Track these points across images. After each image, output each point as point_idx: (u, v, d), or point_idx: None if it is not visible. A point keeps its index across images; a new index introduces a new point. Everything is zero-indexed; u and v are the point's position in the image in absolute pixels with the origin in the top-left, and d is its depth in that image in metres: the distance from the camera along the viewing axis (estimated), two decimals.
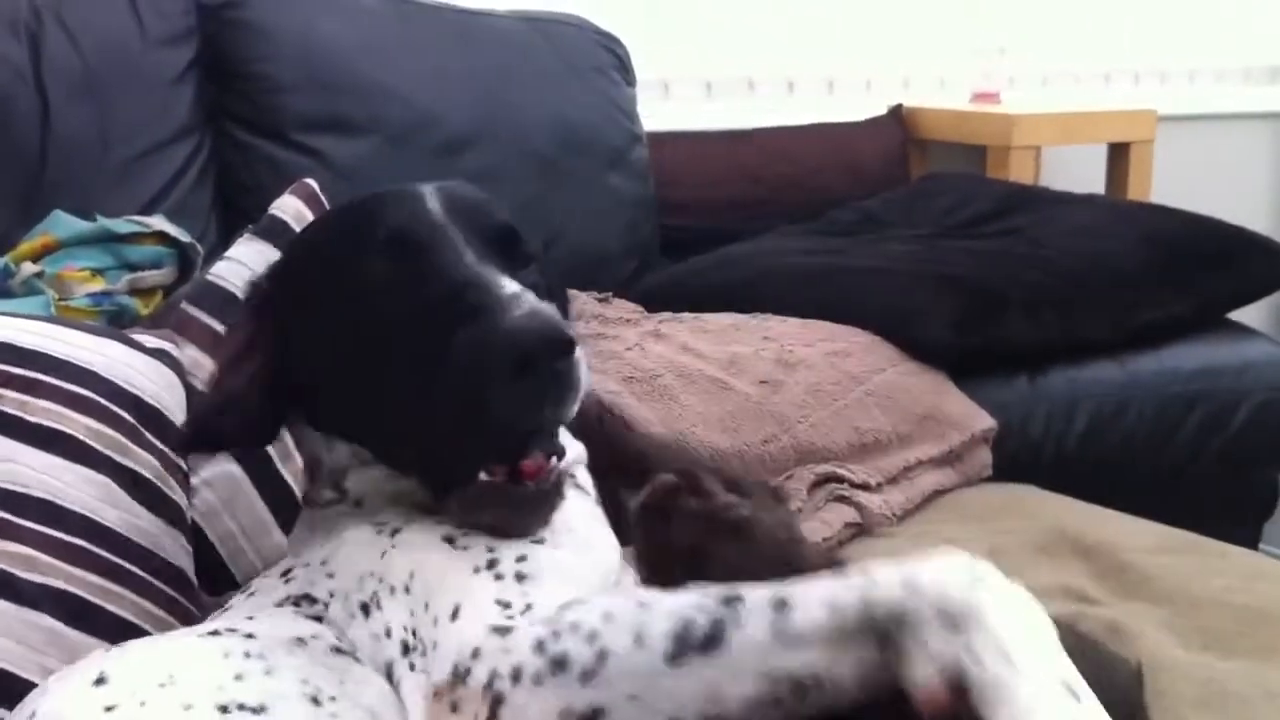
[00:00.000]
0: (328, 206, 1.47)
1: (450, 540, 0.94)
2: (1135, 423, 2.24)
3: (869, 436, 1.91)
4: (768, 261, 2.48)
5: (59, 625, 1.07)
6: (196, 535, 1.24)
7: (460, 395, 0.91)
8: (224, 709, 0.86)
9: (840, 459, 1.87)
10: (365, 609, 0.95)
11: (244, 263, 1.38)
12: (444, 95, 2.52)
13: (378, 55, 2.52)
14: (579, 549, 0.98)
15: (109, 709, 0.85)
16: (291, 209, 1.43)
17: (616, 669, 0.77)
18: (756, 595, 0.78)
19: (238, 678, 0.89)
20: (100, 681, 0.88)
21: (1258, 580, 1.57)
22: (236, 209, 2.33)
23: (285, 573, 1.05)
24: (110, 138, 2.24)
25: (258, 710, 0.86)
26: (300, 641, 0.94)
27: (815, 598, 0.77)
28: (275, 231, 1.41)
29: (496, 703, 0.78)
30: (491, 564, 0.91)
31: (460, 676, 0.81)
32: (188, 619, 1.09)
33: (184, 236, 2.01)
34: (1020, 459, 2.11)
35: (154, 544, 1.16)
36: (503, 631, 0.82)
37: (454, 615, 0.87)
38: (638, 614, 0.78)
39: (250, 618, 0.98)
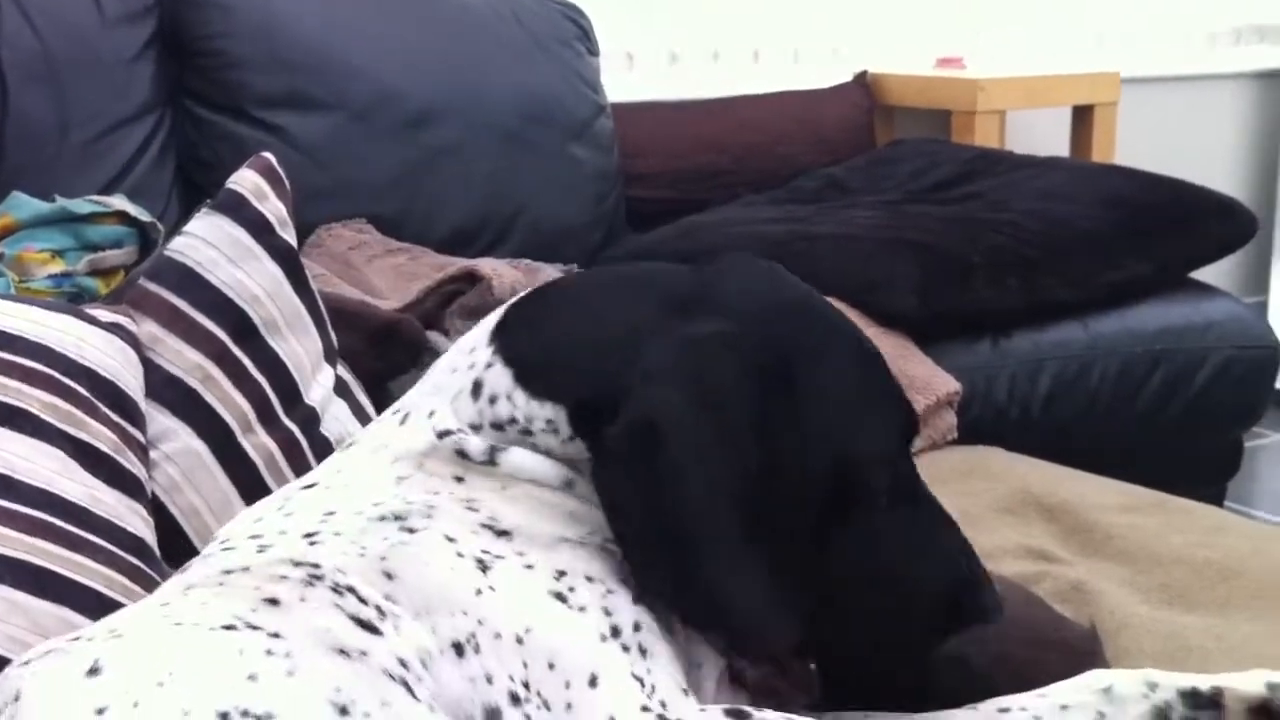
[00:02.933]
0: (286, 181, 1.46)
1: (560, 597, 0.94)
2: (1099, 383, 2.26)
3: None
4: (732, 230, 2.48)
5: (20, 595, 1.06)
6: (159, 510, 1.24)
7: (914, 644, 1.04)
8: (224, 715, 0.80)
9: None
10: (459, 649, 0.91)
11: (202, 237, 1.37)
12: (406, 69, 2.52)
13: (339, 30, 2.51)
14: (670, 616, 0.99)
15: (100, 711, 0.80)
16: (249, 183, 1.42)
17: None
18: None
19: (250, 678, 0.83)
20: (94, 672, 0.83)
21: (1220, 535, 1.59)
22: (197, 187, 2.32)
23: (310, 534, 0.96)
24: (69, 118, 2.24)
25: (263, 717, 0.81)
26: (344, 653, 0.87)
27: None
28: (233, 206, 1.40)
29: None
30: (615, 632, 0.93)
31: None
32: (152, 588, 1.07)
33: (144, 216, 2.01)
34: (985, 421, 2.13)
35: (113, 515, 1.16)
36: None
37: (592, 683, 0.89)
38: None
39: (273, 601, 0.90)
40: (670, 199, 2.92)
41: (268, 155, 1.46)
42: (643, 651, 0.92)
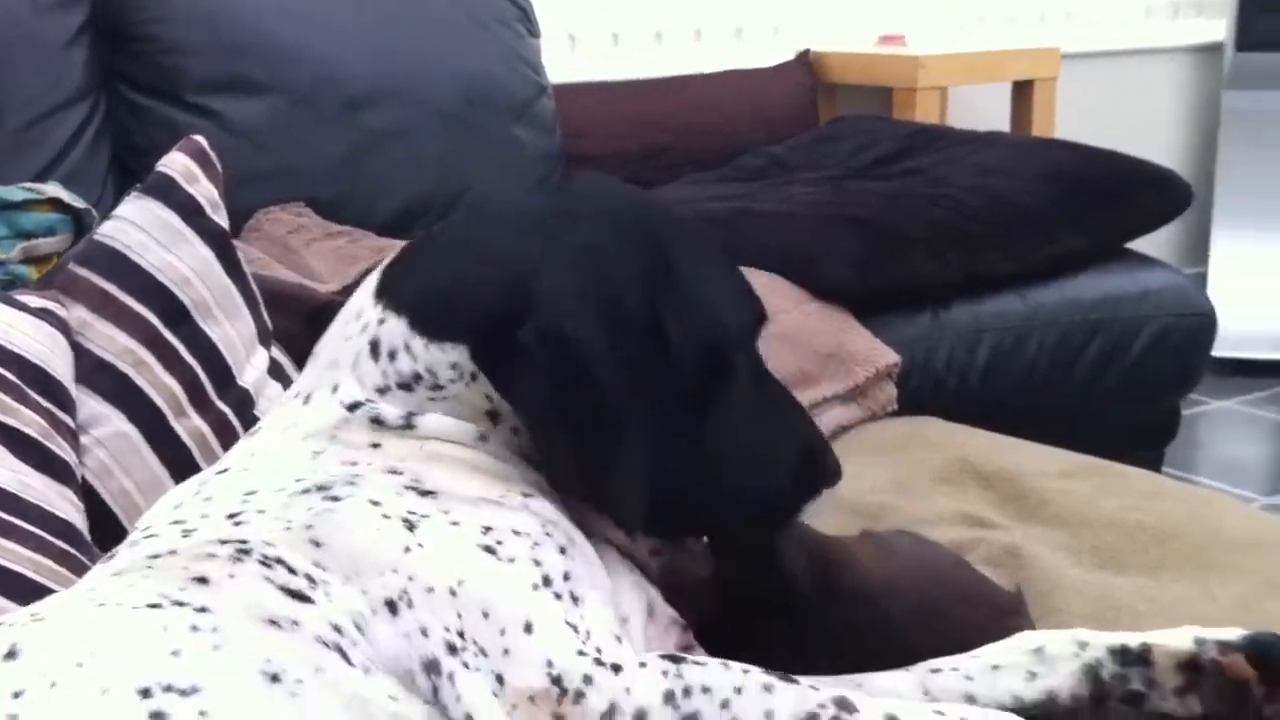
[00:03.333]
0: (217, 164, 1.46)
1: (490, 550, 0.95)
2: (1037, 353, 2.29)
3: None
4: (676, 209, 2.48)
5: None
6: (90, 495, 1.24)
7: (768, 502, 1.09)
8: (145, 692, 0.80)
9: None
10: (392, 606, 0.91)
11: (132, 221, 1.36)
12: (344, 52, 2.50)
13: (276, 13, 2.49)
14: (590, 562, 1.00)
15: (16, 695, 0.79)
16: (180, 166, 1.41)
17: None
18: (871, 712, 0.90)
19: (174, 654, 0.83)
20: (11, 655, 0.82)
21: (1154, 499, 1.61)
22: (133, 173, 2.30)
23: (233, 515, 0.97)
24: (1, 104, 2.21)
25: (187, 692, 0.80)
26: (274, 624, 0.87)
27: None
28: (163, 189, 1.39)
29: None
30: (546, 581, 0.94)
31: (567, 693, 0.88)
32: (82, 573, 1.07)
33: (79, 202, 1.99)
34: (925, 392, 2.15)
35: (42, 500, 1.15)
36: (615, 669, 0.89)
37: (527, 629, 0.91)
38: (765, 695, 0.89)
39: (202, 579, 0.89)
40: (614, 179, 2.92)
41: (198, 138, 1.46)
42: (574, 599, 0.94)
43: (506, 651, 0.90)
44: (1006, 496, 1.64)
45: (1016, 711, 1.03)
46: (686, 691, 0.88)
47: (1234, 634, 1.08)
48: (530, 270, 1.02)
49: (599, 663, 0.89)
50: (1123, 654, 1.08)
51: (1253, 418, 3.53)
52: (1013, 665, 1.07)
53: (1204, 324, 2.45)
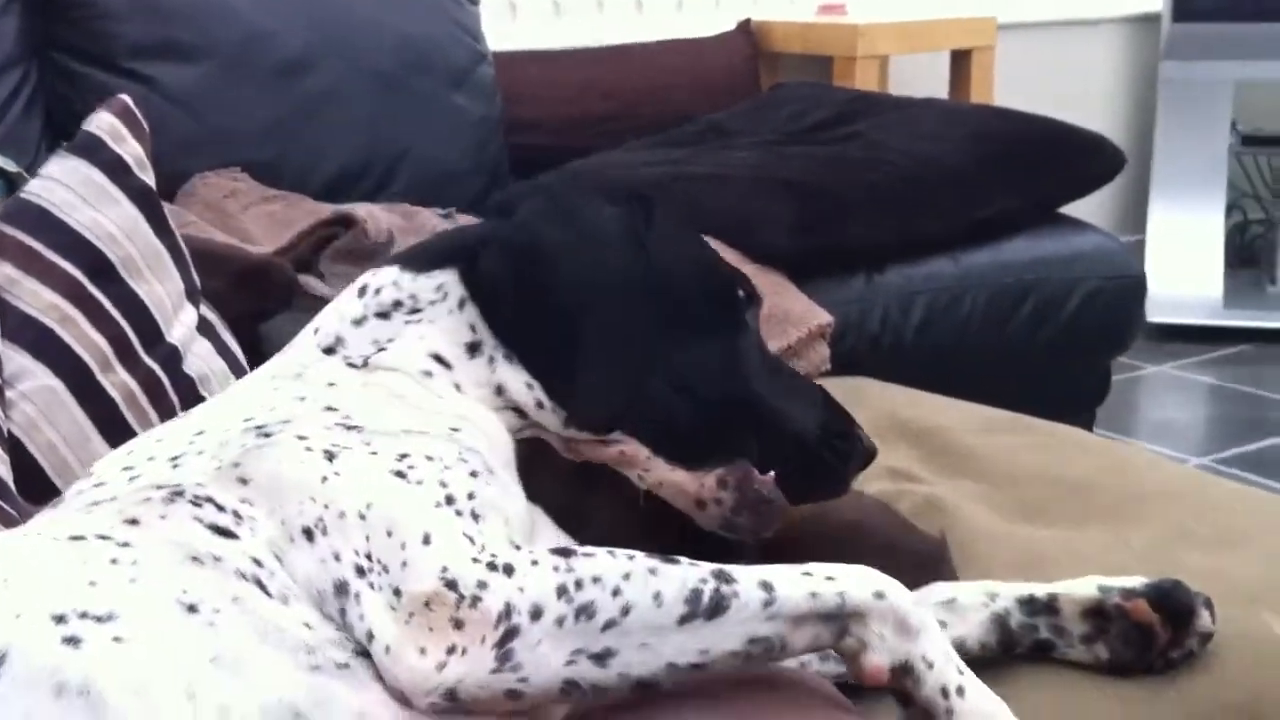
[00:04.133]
0: (144, 123, 1.46)
1: (401, 475, 0.97)
2: (969, 314, 2.32)
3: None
4: (613, 174, 2.50)
5: None
6: (17, 448, 1.24)
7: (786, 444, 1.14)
8: (60, 618, 0.81)
9: None
10: (309, 534, 0.93)
11: (58, 179, 1.36)
12: (279, 15, 2.50)
13: None
14: (505, 490, 1.02)
15: None
16: (106, 125, 1.41)
17: (637, 622, 0.89)
18: (747, 577, 0.93)
19: (91, 583, 0.84)
20: None
21: (1078, 455, 1.63)
22: (68, 138, 2.28)
23: (174, 457, 0.99)
24: None
25: (103, 618, 0.82)
26: (197, 560, 0.89)
27: (799, 587, 0.93)
28: (90, 148, 1.39)
29: (511, 634, 0.87)
30: (449, 500, 0.95)
31: (464, 597, 0.88)
32: (10, 525, 1.07)
33: (11, 167, 1.97)
34: (859, 353, 2.17)
35: None
36: (507, 570, 0.90)
37: (425, 540, 0.92)
38: (651, 578, 0.91)
39: (133, 520, 0.91)
40: (556, 147, 2.92)
41: (124, 97, 1.46)
42: (475, 517, 0.95)
43: (405, 564, 0.91)
44: (932, 451, 1.66)
45: None
46: (578, 584, 0.89)
47: (1136, 581, 1.13)
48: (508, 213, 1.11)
49: (492, 567, 0.90)
50: (1030, 603, 1.12)
51: (1187, 382, 3.59)
52: None
53: (1134, 286, 2.49)
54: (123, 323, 1.33)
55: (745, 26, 3.43)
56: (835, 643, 0.94)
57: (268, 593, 0.90)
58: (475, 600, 0.88)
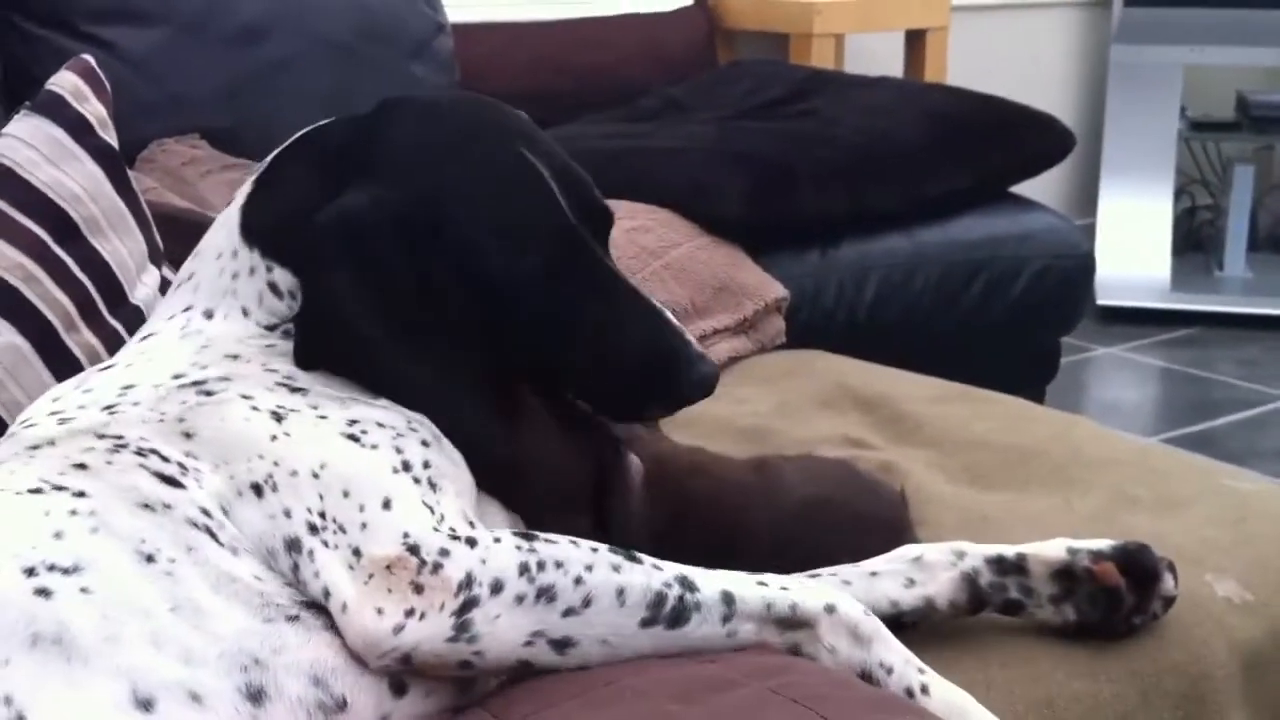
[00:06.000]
0: (106, 84, 1.46)
1: (354, 439, 0.98)
2: (922, 290, 2.35)
3: (666, 308, 1.96)
4: (570, 146, 2.43)
5: None
6: None
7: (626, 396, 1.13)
8: (30, 571, 0.84)
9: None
10: (258, 490, 0.94)
11: (21, 138, 1.36)
12: None
13: None
14: (454, 460, 1.03)
15: None
16: (68, 84, 1.42)
17: (599, 616, 0.92)
18: (709, 586, 0.96)
19: (56, 535, 0.87)
20: None
21: (1023, 423, 1.68)
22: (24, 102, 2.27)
23: (109, 407, 1.01)
24: None
25: (70, 570, 0.84)
26: (148, 507, 0.91)
27: (756, 597, 0.96)
28: (52, 107, 1.40)
29: (470, 604, 0.89)
30: (406, 466, 0.97)
31: (426, 563, 0.90)
32: None
33: None
34: (814, 327, 2.20)
35: None
36: (470, 542, 0.91)
37: (385, 505, 0.93)
38: (614, 574, 0.93)
39: (82, 465, 0.93)
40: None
41: (87, 57, 1.46)
42: (432, 486, 0.97)
43: (364, 526, 0.92)
44: (884, 419, 1.70)
45: (893, 618, 1.07)
46: (541, 565, 0.91)
47: (1104, 544, 1.14)
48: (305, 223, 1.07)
49: (454, 537, 0.92)
50: (999, 563, 1.12)
51: (1135, 364, 3.65)
52: (891, 573, 1.11)
53: (1082, 265, 2.53)
54: (87, 282, 1.34)
55: (702, 3, 3.45)
56: (781, 648, 0.97)
57: (219, 542, 0.92)
58: (437, 566, 0.90)
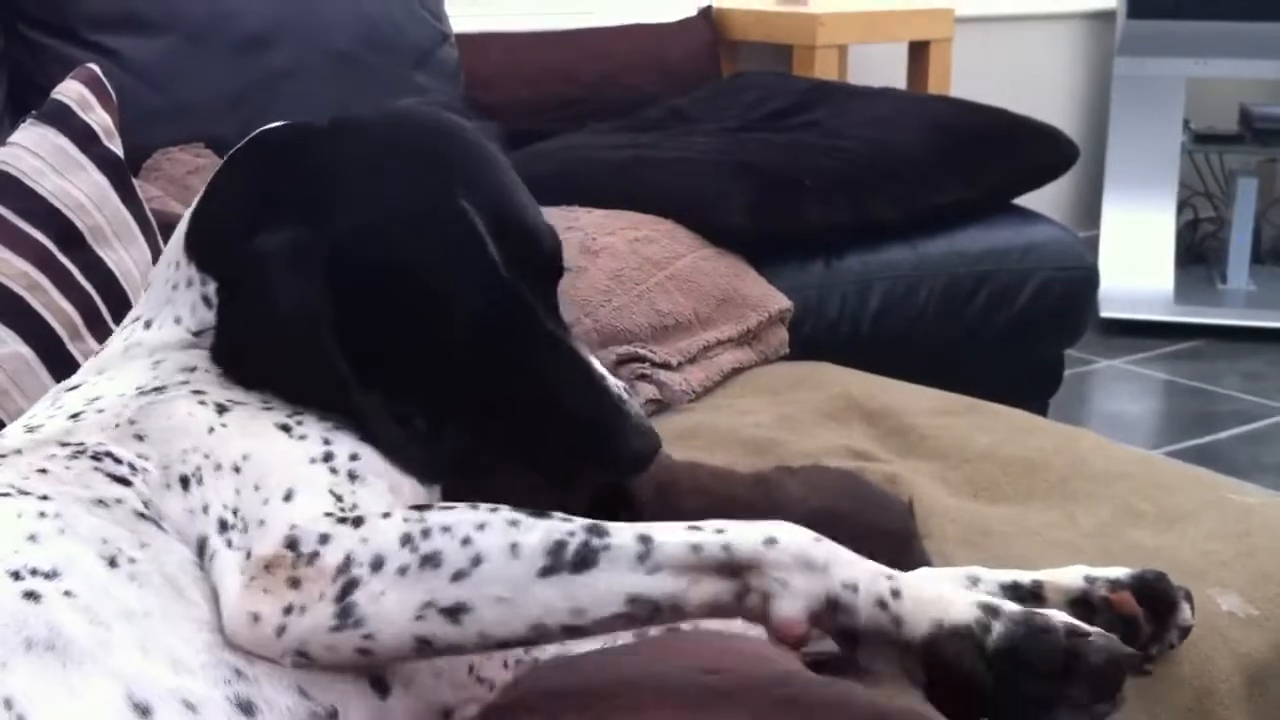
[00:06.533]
0: (112, 93, 1.46)
1: (286, 429, 0.97)
2: (925, 302, 2.35)
3: (670, 319, 1.97)
4: (575, 155, 2.51)
5: None
6: None
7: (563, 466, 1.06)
8: (16, 575, 0.84)
9: (642, 340, 1.93)
10: (185, 482, 0.93)
11: (26, 147, 1.37)
12: None
13: None
14: (395, 471, 1.00)
15: None
16: (74, 94, 1.42)
17: (490, 573, 0.85)
18: (623, 532, 0.88)
19: (31, 539, 0.86)
20: None
21: (1026, 435, 1.67)
22: (28, 110, 2.28)
23: (75, 415, 1.01)
24: None
25: (50, 575, 0.84)
26: (102, 503, 0.91)
27: (679, 540, 0.88)
28: (58, 116, 1.41)
29: (350, 587, 0.85)
30: (328, 457, 0.95)
31: (302, 555, 0.86)
32: None
33: None
34: (818, 338, 2.20)
35: None
36: (356, 522, 0.87)
37: (287, 497, 0.91)
38: (510, 529, 0.86)
39: (42, 470, 0.93)
40: (517, 129, 2.93)
41: (93, 66, 1.47)
42: (352, 477, 0.95)
43: (261, 523, 0.90)
44: (888, 432, 1.70)
45: None
46: (425, 533, 0.86)
47: (1122, 572, 1.10)
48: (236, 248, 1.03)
49: (341, 520, 0.88)
50: (1014, 589, 1.08)
51: (1138, 377, 3.65)
52: None
53: (1086, 278, 2.53)
54: (91, 291, 1.35)
55: (706, 13, 3.46)
56: (738, 603, 0.88)
57: (164, 530, 0.92)
58: (313, 556, 0.86)
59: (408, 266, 1.04)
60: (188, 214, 1.15)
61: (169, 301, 1.10)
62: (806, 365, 2.02)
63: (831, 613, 0.88)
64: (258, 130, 1.17)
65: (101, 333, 1.34)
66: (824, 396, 1.82)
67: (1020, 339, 2.46)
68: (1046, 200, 2.75)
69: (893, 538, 1.26)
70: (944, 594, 0.90)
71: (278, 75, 2.49)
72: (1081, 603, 1.09)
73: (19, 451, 0.97)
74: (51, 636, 0.82)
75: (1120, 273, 3.89)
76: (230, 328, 1.04)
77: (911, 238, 2.38)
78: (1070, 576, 1.10)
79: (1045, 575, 1.10)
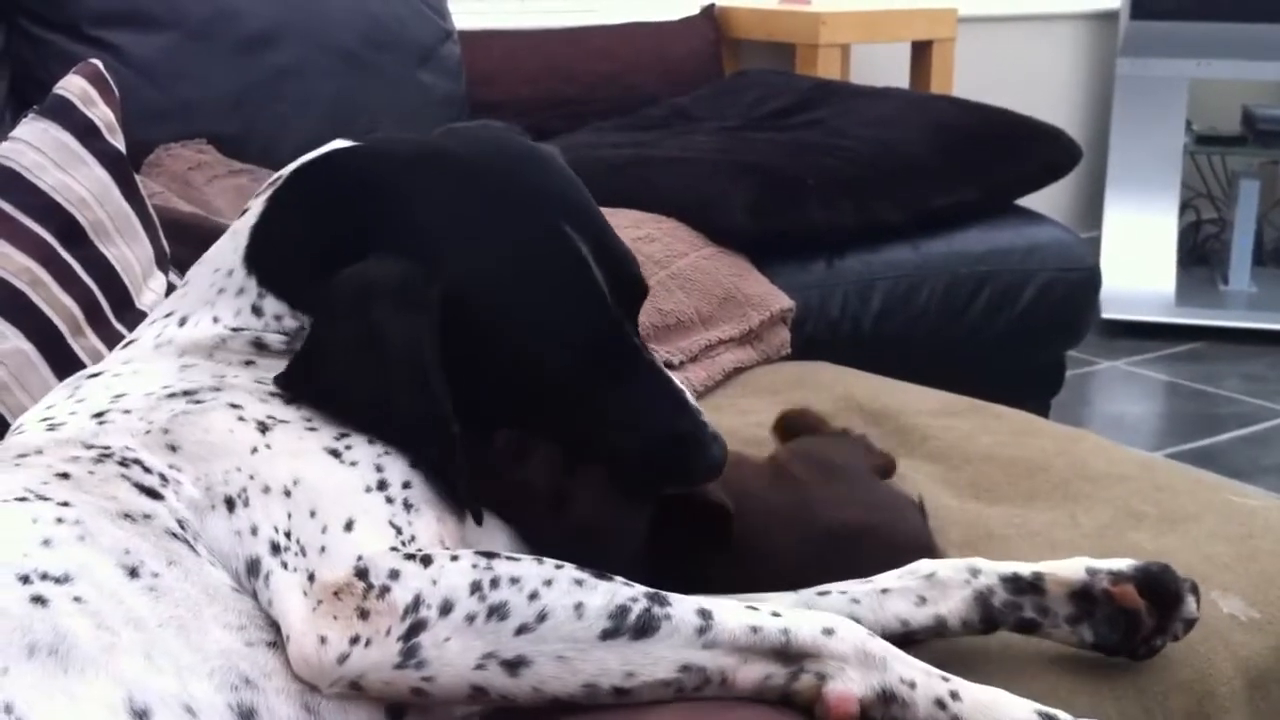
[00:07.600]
0: (114, 88, 1.46)
1: (335, 454, 0.96)
2: (927, 302, 2.35)
3: (671, 318, 1.97)
4: (578, 154, 2.46)
5: None
6: None
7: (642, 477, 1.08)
8: (25, 579, 0.83)
9: (644, 339, 1.92)
10: (230, 504, 0.93)
11: (28, 142, 1.37)
12: None
13: None
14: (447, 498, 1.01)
15: None
16: (77, 89, 1.42)
17: (554, 631, 0.87)
18: (684, 602, 0.90)
19: (45, 543, 0.86)
20: None
21: (1027, 436, 1.67)
22: (30, 106, 2.27)
23: (99, 414, 0.99)
24: None
25: (61, 580, 0.84)
26: (128, 517, 0.90)
27: (739, 621, 0.91)
28: (60, 111, 1.40)
29: (417, 628, 0.86)
30: (382, 485, 0.95)
31: (373, 587, 0.87)
32: None
33: None
34: (819, 338, 2.20)
35: None
36: (425, 561, 0.88)
37: (348, 527, 0.91)
38: (575, 588, 0.88)
39: (64, 475, 0.92)
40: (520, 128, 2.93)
41: (95, 62, 1.46)
42: (407, 506, 0.95)
43: (323, 550, 0.90)
44: (889, 432, 1.69)
45: (904, 637, 1.04)
46: (494, 582, 0.87)
47: (1125, 564, 1.09)
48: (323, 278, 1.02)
49: (409, 557, 0.89)
50: (1014, 582, 1.08)
51: (1141, 378, 3.64)
52: (903, 590, 1.08)
53: (1088, 279, 2.53)
54: (93, 286, 1.34)
55: (709, 12, 3.46)
56: (789, 684, 0.91)
57: (196, 552, 0.91)
58: (385, 590, 0.87)
59: (524, 303, 1.04)
60: (247, 224, 1.11)
61: (210, 304, 1.08)
62: (808, 365, 2.02)
63: (885, 706, 0.91)
64: (325, 149, 1.15)
65: (103, 328, 1.34)
66: (825, 396, 1.81)
67: (1022, 340, 2.46)
68: (1048, 201, 2.75)
69: (919, 548, 1.24)
70: (999, 699, 0.94)
71: (281, 72, 2.49)
72: (1083, 595, 1.09)
73: (40, 451, 0.96)
74: (55, 641, 0.81)
75: (1122, 274, 3.89)
76: (322, 357, 1.01)
77: (914, 238, 2.38)
78: (1072, 568, 1.10)
79: (1046, 567, 1.10)
